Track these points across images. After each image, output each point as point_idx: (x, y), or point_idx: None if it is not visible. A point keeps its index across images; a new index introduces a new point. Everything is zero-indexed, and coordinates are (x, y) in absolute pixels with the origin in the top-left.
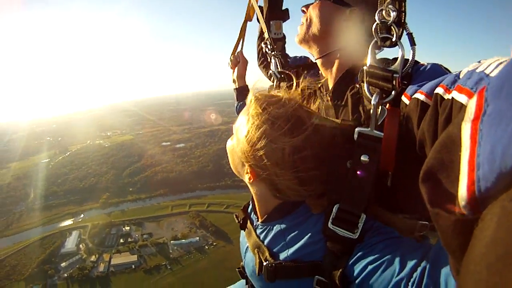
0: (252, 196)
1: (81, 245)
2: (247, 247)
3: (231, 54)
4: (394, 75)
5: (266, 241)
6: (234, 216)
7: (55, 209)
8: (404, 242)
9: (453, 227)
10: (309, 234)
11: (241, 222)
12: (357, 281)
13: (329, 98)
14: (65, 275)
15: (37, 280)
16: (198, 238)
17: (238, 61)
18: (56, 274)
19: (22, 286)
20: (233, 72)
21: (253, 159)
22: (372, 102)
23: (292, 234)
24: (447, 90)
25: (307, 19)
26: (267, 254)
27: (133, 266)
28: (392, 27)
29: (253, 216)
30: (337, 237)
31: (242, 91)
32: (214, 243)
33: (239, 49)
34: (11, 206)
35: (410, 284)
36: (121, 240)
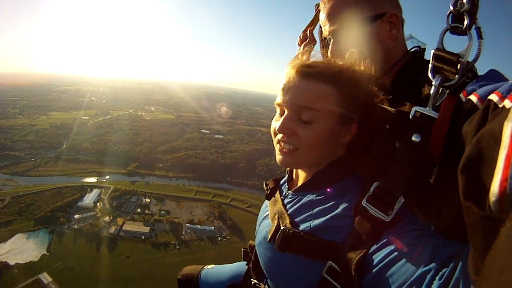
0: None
1: (98, 204)
2: (267, 215)
3: (302, 32)
4: (460, 59)
5: (290, 210)
6: (264, 184)
7: (83, 164)
8: (437, 237)
9: (480, 223)
10: (338, 209)
11: (268, 191)
12: (374, 270)
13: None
14: (75, 226)
15: (46, 224)
16: (213, 228)
17: (307, 39)
18: (67, 223)
19: (30, 224)
20: (299, 49)
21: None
22: (434, 82)
23: (321, 207)
24: (502, 98)
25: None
26: (287, 221)
27: (143, 237)
28: (464, 15)
29: (284, 186)
30: (367, 216)
31: None
32: (228, 237)
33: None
34: (42, 150)
35: (438, 277)
36: (138, 210)
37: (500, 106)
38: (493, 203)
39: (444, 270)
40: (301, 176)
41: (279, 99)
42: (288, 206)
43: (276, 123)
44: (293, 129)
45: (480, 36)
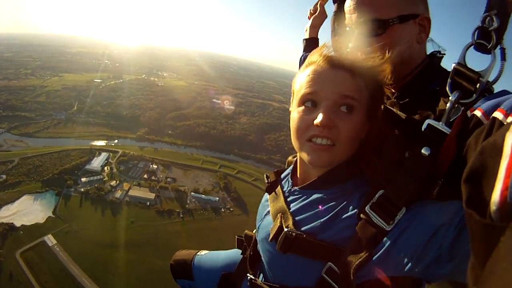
0: (297, 161)
1: (106, 168)
2: (268, 211)
3: (314, 5)
4: (480, 78)
5: (294, 208)
6: (264, 176)
7: (93, 127)
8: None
9: (481, 231)
10: (343, 212)
11: (269, 184)
12: (372, 274)
13: (395, 96)
14: (82, 189)
15: (54, 186)
16: (217, 198)
17: (317, 12)
18: (74, 186)
19: (38, 186)
20: (308, 22)
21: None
22: (451, 98)
23: (329, 206)
24: (506, 115)
25: (386, 47)
26: (290, 221)
27: (148, 203)
28: (491, 34)
29: (285, 182)
30: (370, 223)
31: (310, 43)
32: (231, 209)
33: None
34: (52, 111)
35: (453, 228)
36: (145, 176)
37: (505, 123)
38: (494, 211)
39: (456, 219)
40: (310, 173)
41: (310, 89)
42: (292, 203)
43: (306, 117)
44: (335, 121)
45: (503, 58)
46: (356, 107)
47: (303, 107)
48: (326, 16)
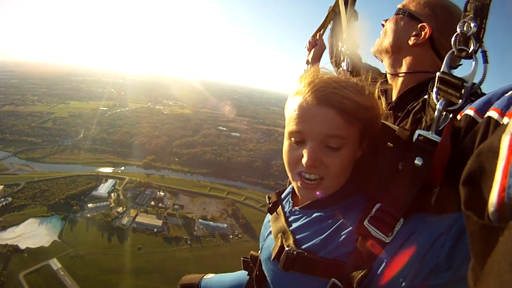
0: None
1: (112, 194)
2: (270, 231)
3: (312, 37)
4: (464, 84)
5: (294, 227)
6: (266, 197)
7: (99, 154)
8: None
9: (480, 232)
10: (343, 228)
11: (271, 205)
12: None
13: (390, 108)
14: (88, 215)
15: (60, 210)
16: (226, 225)
17: (316, 44)
18: (80, 211)
19: (44, 210)
20: (308, 54)
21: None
22: (438, 106)
23: (329, 224)
24: (502, 114)
25: (384, 32)
26: (291, 240)
27: (155, 230)
28: (470, 39)
29: (286, 202)
30: (368, 237)
31: None
32: (240, 235)
33: (320, 33)
34: (59, 138)
35: (450, 236)
36: (152, 203)
37: (501, 123)
38: (491, 212)
39: (452, 230)
40: None
41: (297, 127)
42: (293, 223)
43: (294, 153)
44: (321, 159)
45: (485, 60)
46: (343, 144)
47: (291, 141)
48: (325, 47)
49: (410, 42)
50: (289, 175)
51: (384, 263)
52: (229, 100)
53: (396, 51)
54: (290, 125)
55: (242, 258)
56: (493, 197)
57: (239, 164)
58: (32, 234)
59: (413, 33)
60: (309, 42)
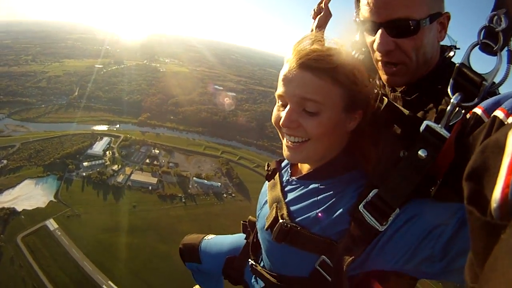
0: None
1: (108, 152)
2: (266, 200)
3: (318, 4)
4: (483, 82)
5: (289, 198)
6: (266, 165)
7: (94, 112)
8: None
9: (481, 228)
10: (339, 206)
11: (269, 172)
12: (364, 268)
13: (400, 91)
14: (84, 174)
15: (55, 170)
16: (220, 184)
17: (321, 12)
18: (76, 170)
19: (39, 171)
20: (313, 22)
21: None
22: (452, 100)
23: (324, 195)
24: (507, 114)
25: (412, 49)
26: (284, 211)
27: (150, 188)
28: (498, 35)
29: (285, 171)
30: (362, 222)
31: None
32: (233, 194)
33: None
34: (53, 96)
35: (449, 229)
36: (147, 160)
37: (506, 122)
38: (494, 209)
39: (452, 221)
40: (307, 163)
41: (280, 90)
42: (289, 193)
43: (278, 114)
44: (298, 121)
45: (510, 61)
46: (319, 110)
47: (278, 104)
48: (331, 16)
49: (441, 40)
50: (279, 134)
51: (376, 249)
52: (226, 60)
53: (428, 59)
54: (277, 88)
55: (241, 222)
56: (497, 194)
57: (234, 124)
58: (29, 195)
59: (439, 30)
60: (314, 10)
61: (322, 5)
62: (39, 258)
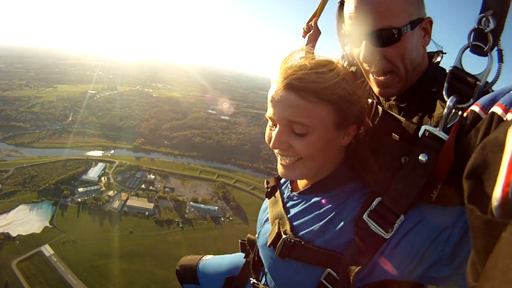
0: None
1: (103, 178)
2: (268, 217)
3: (306, 23)
4: (477, 82)
5: (292, 214)
6: (265, 182)
7: (88, 137)
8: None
9: (482, 227)
10: (342, 217)
11: (269, 189)
12: (371, 279)
13: (395, 99)
14: (79, 200)
15: (50, 196)
16: (217, 208)
17: (311, 30)
18: (71, 196)
19: (34, 196)
20: (303, 41)
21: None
22: (448, 103)
23: (326, 208)
24: (506, 110)
25: (397, 58)
26: (287, 227)
27: (147, 213)
28: (488, 36)
29: (285, 187)
30: (367, 231)
31: None
32: (231, 218)
33: (314, 19)
34: (47, 122)
35: (457, 231)
36: (143, 186)
37: (505, 119)
38: (495, 207)
39: (459, 223)
40: (308, 179)
41: (269, 111)
42: (291, 209)
43: (270, 133)
44: (287, 142)
45: (501, 60)
46: (307, 132)
47: (269, 124)
48: (320, 33)
49: (424, 45)
50: (274, 152)
51: (383, 258)
52: (218, 84)
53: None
54: (267, 110)
55: (239, 241)
56: (497, 192)
57: (229, 147)
58: (23, 220)
59: (422, 35)
60: (303, 29)
61: (311, 23)
62: (34, 284)
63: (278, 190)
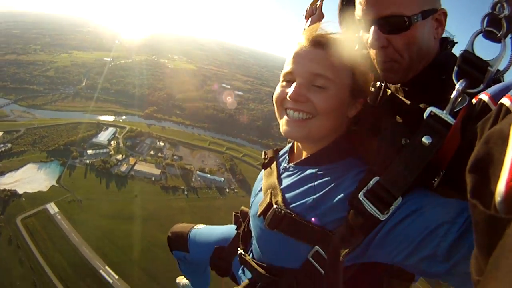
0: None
1: (112, 142)
2: (261, 187)
3: (309, 5)
4: (488, 68)
5: (285, 185)
6: (262, 153)
7: (101, 102)
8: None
9: (485, 222)
10: (336, 193)
11: (266, 161)
12: (361, 260)
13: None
14: (87, 161)
15: (59, 156)
16: (223, 179)
17: (314, 13)
18: (79, 157)
19: (43, 156)
20: (306, 23)
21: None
22: (457, 86)
23: (321, 181)
24: None
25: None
26: (279, 198)
27: (153, 179)
28: (502, 22)
29: (283, 159)
30: (362, 210)
31: None
32: (236, 190)
33: (319, 2)
34: (61, 86)
35: (455, 228)
36: (152, 152)
37: None
38: (498, 203)
39: (459, 219)
40: (305, 150)
41: (288, 67)
42: (285, 179)
43: (283, 90)
44: (307, 96)
45: None
46: (328, 86)
47: (282, 83)
48: (323, 17)
49: (437, 37)
50: (277, 115)
51: (377, 240)
52: (235, 60)
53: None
54: (284, 68)
55: (233, 213)
56: (501, 187)
57: (240, 122)
58: (31, 179)
59: (434, 27)
60: (306, 11)
61: (316, 5)
62: (37, 240)
63: (275, 162)
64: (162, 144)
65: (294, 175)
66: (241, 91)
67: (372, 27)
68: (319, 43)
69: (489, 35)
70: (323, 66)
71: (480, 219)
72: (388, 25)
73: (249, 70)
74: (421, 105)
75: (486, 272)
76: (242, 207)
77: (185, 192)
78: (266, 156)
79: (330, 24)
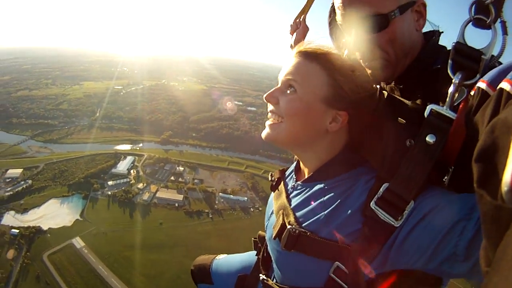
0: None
1: (132, 171)
2: (273, 210)
3: (294, 20)
4: (482, 56)
5: (295, 204)
6: (269, 176)
7: (116, 132)
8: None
9: (492, 213)
10: (348, 204)
11: (274, 182)
12: (382, 270)
13: (395, 80)
14: (109, 193)
15: (80, 190)
16: (246, 198)
17: (299, 27)
18: (101, 189)
19: (64, 190)
20: (291, 37)
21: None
22: (454, 80)
23: (330, 195)
24: None
25: (387, 44)
26: (292, 217)
27: (176, 205)
28: (489, 8)
29: (290, 179)
30: (375, 220)
31: None
32: (260, 208)
33: (302, 17)
34: (75, 118)
35: (471, 225)
36: (172, 178)
37: None
38: (505, 192)
39: (475, 214)
40: (309, 166)
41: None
42: (294, 198)
43: None
44: (277, 98)
45: (505, 32)
46: (297, 88)
47: None
48: (308, 30)
49: (419, 29)
50: None
51: (394, 247)
52: (243, 75)
53: (407, 48)
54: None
55: (252, 239)
56: (507, 177)
57: (256, 138)
58: (54, 214)
59: (415, 19)
60: (291, 26)
61: (299, 20)
62: (65, 275)
63: (283, 182)
64: (181, 168)
65: (303, 193)
66: (254, 107)
67: (353, 31)
68: (300, 53)
69: (479, 23)
70: (295, 70)
71: (487, 209)
72: (367, 25)
73: (259, 84)
74: (418, 101)
75: (494, 262)
76: (260, 232)
77: (210, 216)
78: (273, 178)
79: (321, 38)
